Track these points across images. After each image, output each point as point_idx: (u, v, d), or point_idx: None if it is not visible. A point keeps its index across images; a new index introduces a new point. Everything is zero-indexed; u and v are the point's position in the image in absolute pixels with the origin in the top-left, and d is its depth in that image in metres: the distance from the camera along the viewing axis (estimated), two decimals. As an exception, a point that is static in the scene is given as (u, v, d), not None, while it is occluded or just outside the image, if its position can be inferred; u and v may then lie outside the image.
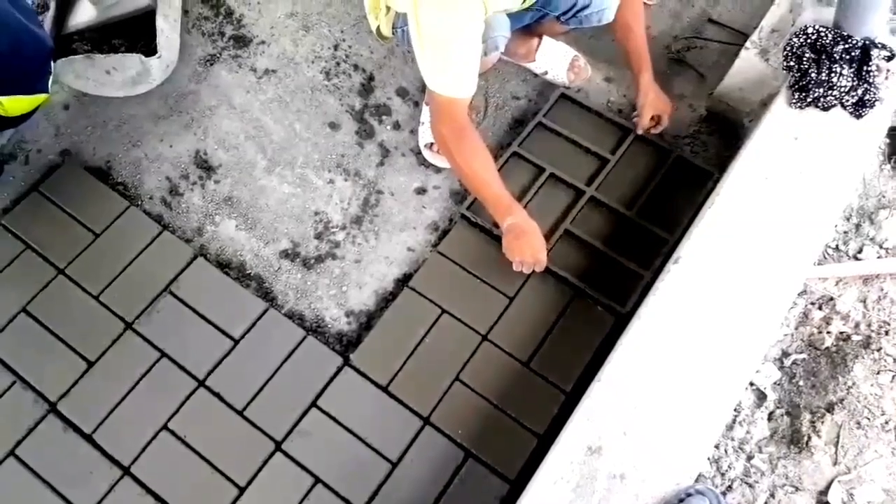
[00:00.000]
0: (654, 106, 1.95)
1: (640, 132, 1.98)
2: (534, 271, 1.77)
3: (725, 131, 2.03)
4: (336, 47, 2.21)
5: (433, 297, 1.80)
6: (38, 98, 1.72)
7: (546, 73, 2.12)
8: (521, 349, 1.74)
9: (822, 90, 1.68)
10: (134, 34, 2.10)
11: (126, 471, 1.63)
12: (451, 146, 1.67)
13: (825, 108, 1.71)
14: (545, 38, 2.09)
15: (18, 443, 1.65)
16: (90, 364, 1.73)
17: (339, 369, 1.72)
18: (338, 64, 2.18)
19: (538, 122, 2.02)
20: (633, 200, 1.91)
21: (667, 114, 1.97)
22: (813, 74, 1.69)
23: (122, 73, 1.99)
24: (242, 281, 1.86)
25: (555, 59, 2.10)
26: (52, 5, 2.04)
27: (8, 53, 1.59)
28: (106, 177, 1.99)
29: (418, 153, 2.04)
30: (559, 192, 1.94)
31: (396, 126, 2.09)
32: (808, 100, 1.70)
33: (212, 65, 2.17)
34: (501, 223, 1.75)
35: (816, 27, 1.73)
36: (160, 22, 2.03)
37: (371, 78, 2.16)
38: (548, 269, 1.80)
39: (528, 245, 1.73)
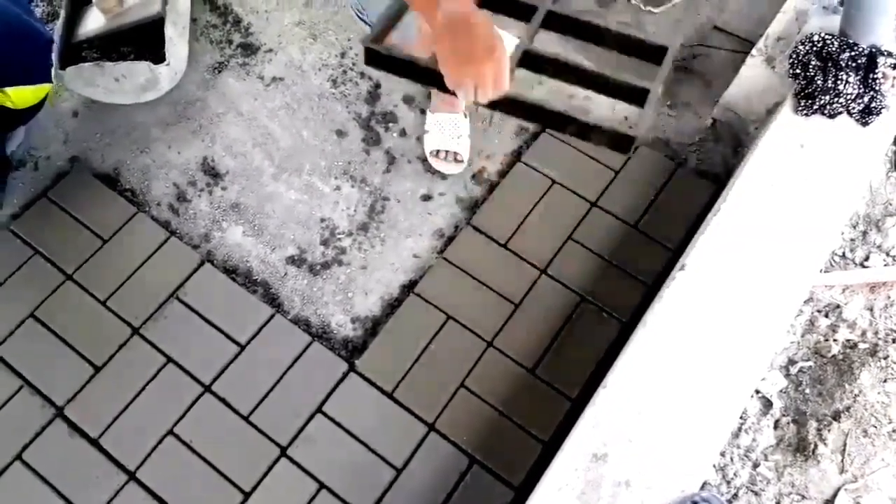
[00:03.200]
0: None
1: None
2: None
3: (731, 139, 2.03)
4: (343, 55, 2.23)
5: (439, 304, 1.80)
6: (43, 89, 1.73)
7: None
8: (526, 356, 1.74)
9: (828, 97, 1.69)
10: (143, 42, 2.11)
11: (132, 476, 1.63)
12: None
13: (831, 116, 1.71)
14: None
15: (25, 447, 1.66)
16: (97, 369, 1.74)
17: (345, 375, 1.73)
18: (345, 72, 2.20)
19: (544, 130, 2.02)
20: (637, 210, 1.91)
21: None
22: (819, 82, 1.69)
23: (131, 81, 2.01)
24: (249, 287, 1.87)
25: None
26: (63, 14, 2.06)
27: (5, 44, 1.60)
28: (114, 183, 2.01)
29: (424, 160, 2.04)
30: (565, 200, 1.94)
31: (403, 133, 2.10)
32: (815, 107, 1.71)
33: (220, 72, 2.19)
34: (431, 19, 1.11)
35: (822, 35, 1.74)
36: (169, 30, 2.05)
37: (378, 86, 2.17)
38: (553, 278, 1.80)
39: (478, 48, 1.09)
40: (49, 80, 1.76)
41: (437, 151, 1.99)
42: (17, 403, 1.70)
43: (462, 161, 2.01)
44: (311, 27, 2.27)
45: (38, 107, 1.87)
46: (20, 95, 1.69)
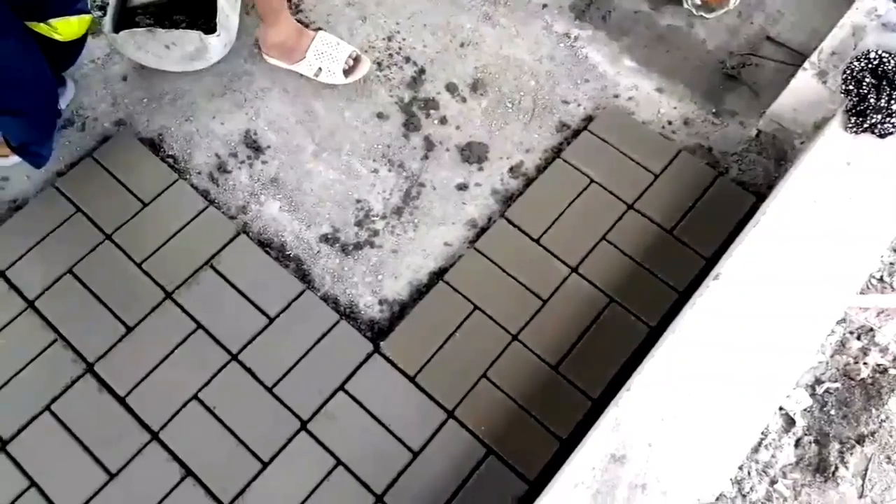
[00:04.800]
0: None
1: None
2: None
3: (775, 151, 2.00)
4: (390, 38, 2.23)
5: (467, 293, 1.81)
6: (85, 19, 1.76)
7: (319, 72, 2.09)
8: (550, 352, 1.74)
9: (880, 116, 1.66)
10: (195, 12, 2.15)
11: (155, 436, 1.67)
12: None
13: (882, 136, 1.68)
14: (319, 33, 2.10)
15: (55, 399, 1.70)
16: (129, 329, 1.77)
17: (369, 356, 1.74)
18: (391, 55, 2.20)
19: (586, 129, 2.02)
20: (674, 216, 1.90)
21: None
22: (872, 100, 1.66)
23: (181, 49, 2.04)
24: (282, 261, 1.89)
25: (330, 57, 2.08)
26: (120, -22, 2.09)
27: None
28: (157, 149, 2.04)
29: (463, 149, 2.05)
30: (602, 200, 1.93)
31: (443, 121, 2.10)
32: (865, 125, 1.68)
33: (268, 47, 2.20)
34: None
35: (879, 52, 1.70)
36: (221, 1, 2.07)
37: (422, 71, 2.18)
38: (583, 277, 1.80)
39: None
40: (88, 11, 1.80)
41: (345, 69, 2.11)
42: (49, 356, 1.74)
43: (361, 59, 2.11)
44: (361, 8, 2.28)
45: (82, 42, 1.92)
46: (66, 27, 1.72)
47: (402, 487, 1.61)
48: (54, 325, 1.78)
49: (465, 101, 2.13)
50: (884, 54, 1.70)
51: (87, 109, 2.10)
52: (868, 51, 1.72)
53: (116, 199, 1.93)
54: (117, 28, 2.03)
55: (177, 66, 2.11)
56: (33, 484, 1.62)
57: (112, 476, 1.62)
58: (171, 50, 2.04)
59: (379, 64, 2.19)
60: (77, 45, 1.93)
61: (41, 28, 1.70)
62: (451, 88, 2.15)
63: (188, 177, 2.00)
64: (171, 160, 2.02)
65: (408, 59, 2.20)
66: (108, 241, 1.87)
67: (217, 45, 2.07)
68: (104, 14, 2.08)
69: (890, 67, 1.67)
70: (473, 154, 2.04)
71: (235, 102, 2.12)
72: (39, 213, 1.90)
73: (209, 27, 2.06)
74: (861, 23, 1.92)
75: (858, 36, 1.90)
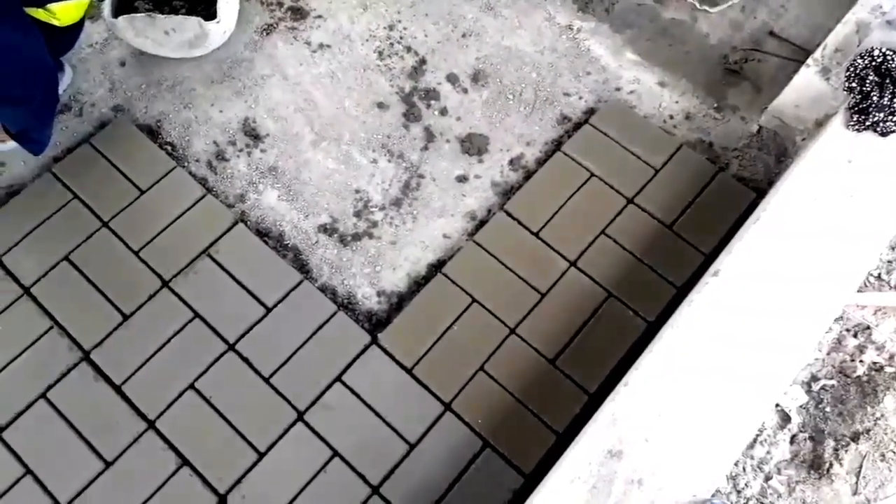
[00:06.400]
0: None
1: None
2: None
3: (776, 148, 2.00)
4: (391, 28, 2.22)
5: (465, 286, 1.81)
6: (83, 3, 1.74)
7: None
8: (548, 346, 1.74)
9: (882, 115, 1.65)
10: (195, -2, 2.13)
11: (151, 424, 1.66)
12: None
13: (884, 134, 1.67)
14: None
15: (50, 386, 1.70)
16: (125, 317, 1.76)
17: (366, 347, 1.74)
18: (392, 45, 2.19)
19: (587, 122, 2.01)
20: (674, 211, 1.89)
21: None
22: (875, 98, 1.66)
23: (181, 35, 2.02)
24: (280, 251, 1.88)
25: None
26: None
27: None
28: (155, 135, 2.02)
29: (463, 140, 2.04)
30: (602, 194, 1.92)
31: (444, 112, 2.09)
32: (867, 123, 1.67)
33: (268, 34, 2.19)
34: None
35: (883, 50, 1.70)
36: (221, -13, 2.05)
37: (423, 61, 2.16)
38: (581, 271, 1.79)
39: None
40: None
41: None
42: (45, 343, 1.74)
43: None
44: (362, -3, 2.27)
45: (80, 27, 1.90)
46: (65, 11, 1.71)
47: (399, 479, 1.61)
48: (50, 312, 1.77)
49: (466, 92, 2.12)
50: (888, 52, 1.69)
51: (85, 95, 2.08)
52: (872, 48, 1.71)
53: (114, 186, 1.91)
54: (116, 13, 2.01)
55: (176, 52, 2.09)
56: (28, 472, 1.62)
57: (108, 464, 1.62)
58: (170, 36, 2.02)
59: (380, 53, 2.17)
60: (75, 30, 1.91)
61: (39, 14, 1.68)
62: (452, 79, 2.14)
63: (186, 164, 1.99)
64: (169, 147, 2.01)
65: (409, 49, 2.18)
66: (105, 229, 1.86)
67: (216, 31, 2.05)
68: (103, -1, 2.06)
69: (894, 66, 1.67)
70: (474, 146, 2.04)
71: (234, 90, 2.10)
72: (36, 199, 1.89)
73: (209, 13, 2.04)
74: (866, 20, 1.91)
75: (863, 33, 1.89)
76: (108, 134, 1.99)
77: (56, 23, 1.72)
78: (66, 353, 1.73)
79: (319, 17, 2.23)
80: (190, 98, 2.08)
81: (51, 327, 1.75)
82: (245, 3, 2.22)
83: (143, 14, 1.98)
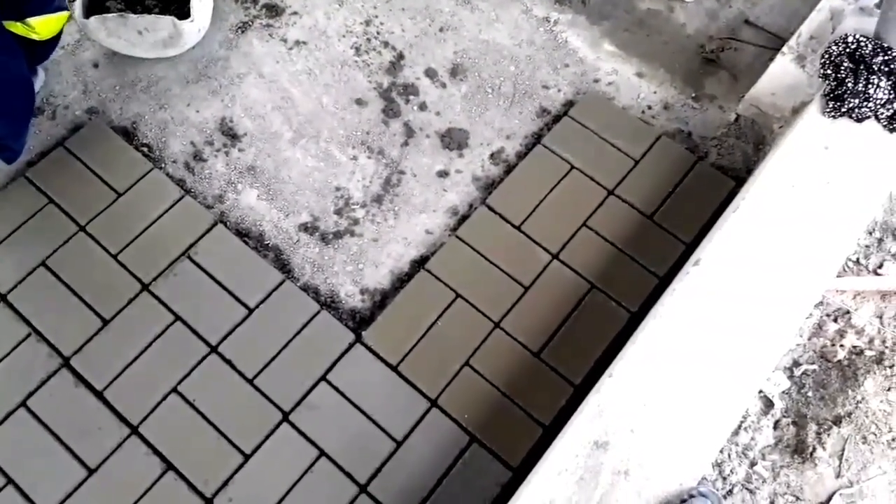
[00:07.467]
0: None
1: None
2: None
3: (754, 136, 2.01)
4: (368, 23, 2.20)
5: (448, 282, 1.80)
6: (63, 16, 1.73)
7: None
8: (532, 339, 1.75)
9: (857, 101, 1.66)
10: (168, -4, 2.10)
11: (134, 430, 1.65)
12: None
13: (859, 120, 1.69)
14: None
15: (30, 394, 1.67)
16: (105, 322, 1.74)
17: (351, 346, 1.73)
18: (369, 40, 2.17)
19: (566, 114, 2.01)
20: (654, 201, 1.90)
21: None
22: (849, 84, 1.67)
23: (154, 35, 1.99)
24: (260, 251, 1.87)
25: None
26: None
27: None
28: (131, 137, 2.00)
29: (443, 135, 2.03)
30: (582, 186, 1.93)
31: (423, 107, 2.08)
32: (843, 110, 1.69)
33: (243, 32, 2.17)
34: None
35: (857, 37, 1.71)
36: (195, -14, 2.02)
37: (401, 56, 2.15)
38: (564, 264, 1.80)
39: None
40: (66, 8, 1.76)
41: None
42: (24, 350, 1.71)
43: None
44: (338, -7, 2.25)
45: (57, 38, 1.88)
46: (45, 25, 1.68)
47: (386, 477, 1.61)
48: (28, 319, 1.74)
49: (444, 87, 2.11)
50: (861, 38, 1.70)
51: (58, 97, 2.05)
52: (846, 35, 1.72)
53: (90, 190, 1.89)
54: (88, 13, 1.98)
55: (150, 52, 2.06)
56: (10, 481, 1.59)
57: (91, 471, 1.60)
58: (143, 36, 1.99)
59: (357, 49, 2.16)
60: (53, 41, 1.88)
61: (18, 28, 1.65)
62: (430, 74, 2.13)
63: (163, 166, 1.96)
64: (145, 149, 1.99)
65: (386, 44, 2.17)
66: (81, 233, 1.84)
67: (191, 30, 2.02)
68: (73, -1, 2.03)
69: (867, 52, 1.68)
70: (454, 140, 2.03)
71: (210, 89, 2.08)
72: (10, 204, 1.86)
73: (182, 12, 2.02)
74: (839, 7, 1.93)
75: (837, 20, 1.90)
76: (82, 137, 1.96)
77: (35, 37, 1.69)
78: (46, 360, 1.70)
79: (295, 13, 2.21)
80: (165, 99, 2.06)
81: (29, 334, 1.73)
82: (219, 2, 2.20)
83: (115, 14, 1.95)
